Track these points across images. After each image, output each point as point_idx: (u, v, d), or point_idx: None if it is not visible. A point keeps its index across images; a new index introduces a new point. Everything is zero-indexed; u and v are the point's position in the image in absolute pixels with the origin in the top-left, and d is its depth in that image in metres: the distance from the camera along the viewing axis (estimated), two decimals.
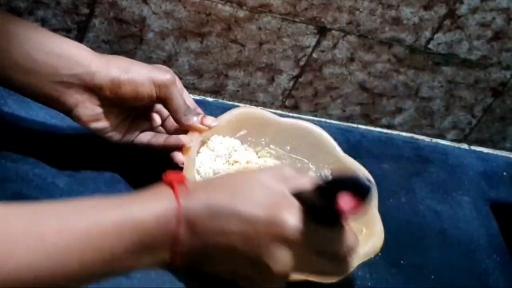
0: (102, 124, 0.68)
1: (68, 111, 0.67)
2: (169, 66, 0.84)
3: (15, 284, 0.45)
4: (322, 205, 0.52)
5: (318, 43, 0.88)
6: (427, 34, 0.90)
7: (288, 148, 0.80)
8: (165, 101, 0.69)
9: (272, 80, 0.91)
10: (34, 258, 0.46)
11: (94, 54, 0.67)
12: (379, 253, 0.77)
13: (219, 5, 0.81)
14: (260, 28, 0.85)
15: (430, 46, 0.92)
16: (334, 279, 0.60)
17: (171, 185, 0.53)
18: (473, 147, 1.06)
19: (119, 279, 0.64)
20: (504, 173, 1.02)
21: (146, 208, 0.51)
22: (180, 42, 0.84)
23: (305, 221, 0.52)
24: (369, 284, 0.77)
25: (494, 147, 1.08)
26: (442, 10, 0.88)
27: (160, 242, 0.51)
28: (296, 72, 0.91)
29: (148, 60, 0.84)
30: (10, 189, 0.68)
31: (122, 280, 0.65)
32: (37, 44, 0.64)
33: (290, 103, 0.95)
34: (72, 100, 0.66)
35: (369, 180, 0.50)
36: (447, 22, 0.89)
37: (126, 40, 0.83)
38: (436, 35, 0.90)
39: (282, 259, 0.52)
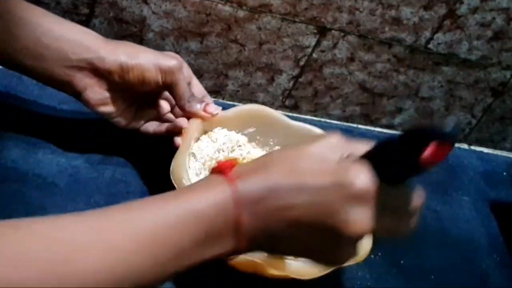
0: (109, 108, 0.69)
1: (77, 94, 0.68)
2: None
3: None
4: (392, 161, 0.49)
5: (318, 43, 0.88)
6: (427, 34, 0.90)
7: None
8: (170, 87, 0.70)
9: (272, 80, 0.91)
10: (107, 264, 0.45)
11: (103, 39, 0.68)
12: (378, 253, 0.78)
13: (219, 5, 0.81)
14: (260, 28, 0.85)
15: (430, 46, 0.92)
16: (402, 236, 0.57)
17: (222, 172, 0.52)
18: (473, 147, 1.06)
19: None
20: (504, 173, 1.02)
21: (203, 198, 0.50)
22: (180, 42, 0.84)
23: (374, 178, 0.50)
24: (369, 284, 0.77)
25: (494, 147, 1.08)
26: (442, 10, 0.88)
27: (224, 229, 0.50)
28: (296, 72, 0.91)
29: None
30: (10, 189, 0.68)
31: None
32: (47, 29, 0.65)
33: (290, 103, 0.95)
34: (82, 84, 0.67)
35: (453, 125, 0.47)
36: (447, 22, 0.89)
37: (126, 40, 0.83)
38: (436, 35, 0.90)
39: (355, 219, 0.49)
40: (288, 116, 0.83)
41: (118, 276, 0.46)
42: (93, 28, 0.81)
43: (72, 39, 0.66)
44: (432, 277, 0.81)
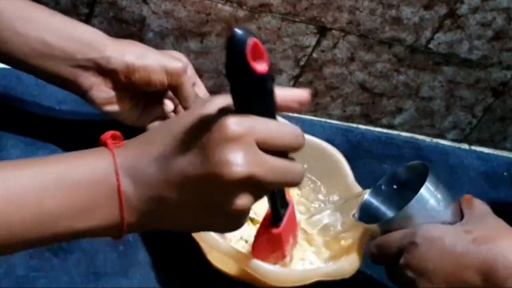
0: (115, 107, 0.70)
1: (83, 93, 0.68)
2: None
3: None
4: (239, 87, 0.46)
5: (318, 43, 0.88)
6: (428, 34, 0.90)
7: (305, 166, 0.78)
8: (175, 89, 0.70)
9: None
10: None
11: (109, 38, 0.68)
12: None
13: (219, 5, 0.81)
14: (260, 28, 0.85)
15: (430, 46, 0.92)
16: (295, 180, 0.51)
17: (105, 143, 0.49)
18: (473, 147, 1.06)
19: (119, 279, 0.65)
20: (505, 173, 1.02)
21: (82, 165, 0.47)
22: (180, 42, 0.84)
23: (243, 117, 0.46)
24: (369, 284, 0.77)
25: (495, 147, 1.08)
26: (442, 10, 0.88)
27: (102, 199, 0.47)
28: (296, 72, 0.91)
29: None
30: None
31: (122, 280, 0.65)
32: (53, 29, 0.66)
33: None
34: (88, 83, 0.67)
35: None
36: (448, 22, 0.89)
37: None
38: (436, 35, 0.90)
39: (233, 159, 0.46)
40: (288, 116, 0.83)
41: None
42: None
43: (79, 39, 0.66)
44: None
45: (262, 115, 0.47)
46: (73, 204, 0.47)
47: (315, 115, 0.97)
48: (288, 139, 0.49)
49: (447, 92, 0.99)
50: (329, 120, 0.97)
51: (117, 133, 0.50)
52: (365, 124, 1.00)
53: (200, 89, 0.74)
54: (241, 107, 0.47)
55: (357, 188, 0.77)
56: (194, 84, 0.72)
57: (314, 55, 0.89)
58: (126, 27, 0.82)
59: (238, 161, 0.46)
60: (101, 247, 0.65)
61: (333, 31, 0.87)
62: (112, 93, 0.69)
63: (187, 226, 0.52)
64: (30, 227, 0.46)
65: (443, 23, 0.89)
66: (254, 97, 0.47)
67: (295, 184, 0.51)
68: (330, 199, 0.79)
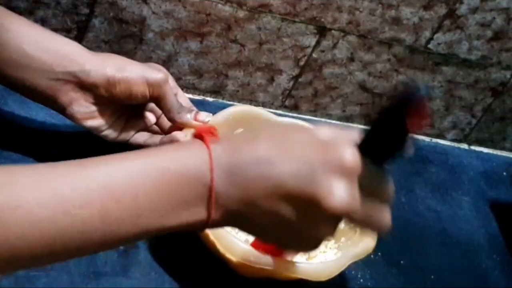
0: (97, 122, 0.68)
1: (62, 109, 0.67)
2: (169, 66, 0.84)
3: (39, 245, 0.43)
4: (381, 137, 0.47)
5: (318, 43, 0.88)
6: (427, 34, 0.90)
7: None
8: (158, 100, 0.69)
9: (272, 80, 0.91)
10: (50, 214, 0.43)
11: (89, 52, 0.67)
12: (378, 253, 0.78)
13: (219, 5, 0.81)
14: (260, 28, 0.85)
15: (430, 46, 0.92)
16: (380, 229, 0.54)
17: (200, 137, 0.48)
18: (473, 147, 1.06)
19: (119, 279, 0.65)
20: (504, 173, 1.02)
21: (173, 158, 0.47)
22: (180, 42, 0.84)
23: (361, 157, 0.47)
24: (369, 284, 0.77)
25: (494, 147, 1.08)
26: (442, 10, 0.88)
27: (193, 195, 0.47)
28: (296, 72, 0.91)
29: (148, 60, 0.83)
30: None
31: (122, 280, 0.65)
32: (32, 40, 0.64)
33: (290, 103, 0.95)
34: (67, 97, 0.66)
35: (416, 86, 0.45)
36: (447, 22, 0.89)
37: (126, 40, 0.83)
38: (436, 35, 0.90)
39: (337, 192, 0.46)
40: (288, 116, 0.83)
41: (62, 228, 0.43)
42: (93, 28, 0.81)
43: (57, 51, 0.65)
44: (432, 277, 0.81)
45: (381, 161, 0.49)
46: (166, 200, 0.46)
47: (315, 115, 0.97)
48: (386, 192, 0.51)
49: (447, 92, 0.99)
50: (328, 120, 0.97)
51: (214, 126, 0.50)
52: (365, 124, 1.00)
53: (182, 99, 0.72)
54: (366, 148, 0.48)
55: None
56: (175, 95, 0.71)
57: (314, 55, 0.89)
58: (126, 27, 0.82)
59: (344, 196, 0.47)
60: None
61: (333, 31, 0.87)
62: (92, 108, 0.67)
63: (265, 236, 0.52)
64: (125, 222, 0.45)
65: (442, 24, 0.89)
66: (387, 147, 0.48)
67: (378, 231, 0.54)
68: None
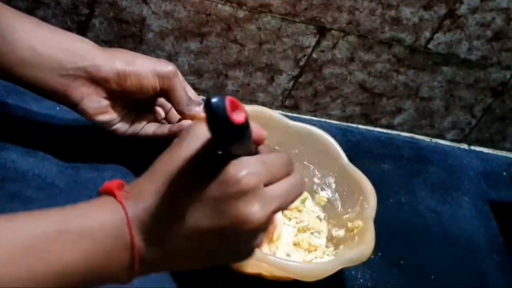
0: (108, 116, 0.69)
1: (74, 104, 0.68)
2: None
3: None
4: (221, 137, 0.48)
5: (318, 43, 0.88)
6: (427, 34, 0.90)
7: (296, 152, 0.79)
8: (168, 93, 0.69)
9: (272, 80, 0.91)
10: None
11: (98, 47, 0.68)
12: (378, 253, 0.78)
13: (219, 5, 0.81)
14: (260, 28, 0.85)
15: (430, 46, 0.92)
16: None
17: (111, 193, 0.50)
18: (473, 147, 1.06)
19: None
20: (504, 173, 1.02)
21: (92, 217, 0.48)
22: (180, 42, 0.84)
23: (251, 169, 0.49)
24: (369, 284, 0.77)
25: (494, 147, 1.08)
26: (442, 10, 0.88)
27: (115, 252, 0.48)
28: (296, 72, 0.91)
29: None
30: (10, 189, 0.68)
31: None
32: (42, 38, 0.65)
33: (290, 103, 0.95)
34: (78, 93, 0.67)
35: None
36: (447, 22, 0.89)
37: (126, 40, 0.83)
38: (436, 35, 0.90)
39: (249, 212, 0.48)
40: (288, 116, 0.83)
41: None
42: (93, 28, 0.81)
43: (67, 48, 0.66)
44: (432, 277, 0.81)
45: (245, 147, 0.50)
46: (87, 259, 0.47)
47: (314, 115, 0.97)
48: (283, 168, 0.52)
49: (447, 92, 0.99)
50: (328, 120, 0.98)
51: (121, 181, 0.51)
52: (365, 124, 1.00)
53: (191, 93, 0.73)
54: (226, 152, 0.50)
55: (353, 168, 0.77)
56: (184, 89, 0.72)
57: (314, 55, 0.89)
58: (126, 27, 0.82)
59: (256, 210, 0.49)
60: None
61: (333, 31, 0.87)
62: (104, 102, 0.68)
63: (200, 266, 0.53)
64: (52, 280, 0.46)
65: (442, 24, 0.89)
66: (238, 143, 0.49)
67: (302, 192, 0.55)
68: (326, 182, 0.79)
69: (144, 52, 0.84)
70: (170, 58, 0.85)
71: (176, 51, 0.85)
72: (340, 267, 0.66)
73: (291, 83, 0.92)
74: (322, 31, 0.87)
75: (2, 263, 0.44)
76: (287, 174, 0.52)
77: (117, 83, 0.67)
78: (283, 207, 0.52)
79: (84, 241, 0.47)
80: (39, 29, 0.66)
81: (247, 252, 0.53)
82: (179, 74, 0.71)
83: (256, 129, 0.53)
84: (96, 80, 0.66)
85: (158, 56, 0.85)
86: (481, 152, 1.06)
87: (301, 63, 0.90)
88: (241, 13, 0.83)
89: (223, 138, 0.48)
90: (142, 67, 0.67)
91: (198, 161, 0.50)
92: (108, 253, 0.48)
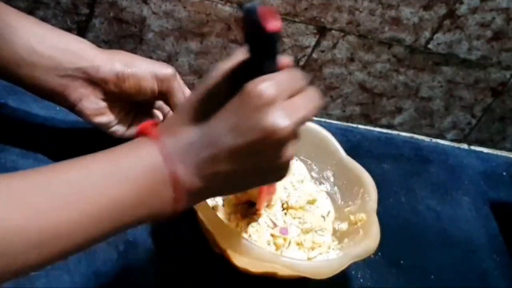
0: (105, 118, 0.69)
1: (72, 105, 0.68)
2: None
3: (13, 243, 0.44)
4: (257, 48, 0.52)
5: (318, 43, 0.88)
6: (427, 34, 0.90)
7: None
8: (167, 95, 0.69)
9: None
10: (23, 223, 0.45)
11: (97, 48, 0.68)
12: (378, 253, 0.78)
13: (219, 5, 0.81)
14: None
15: (430, 46, 0.92)
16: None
17: (145, 133, 0.52)
18: (473, 147, 1.07)
19: (119, 279, 0.65)
20: (504, 173, 1.03)
21: (129, 156, 0.50)
22: (180, 42, 0.84)
23: (268, 81, 0.51)
24: (369, 284, 0.77)
25: (494, 147, 1.08)
26: (442, 10, 0.88)
27: (158, 188, 0.50)
28: None
29: None
30: None
31: (122, 280, 0.65)
32: (41, 38, 0.65)
33: None
34: (76, 94, 0.67)
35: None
36: (447, 22, 0.89)
37: (126, 40, 0.83)
38: (435, 35, 0.90)
39: (273, 121, 0.50)
40: None
41: (42, 235, 0.45)
42: (93, 28, 0.81)
43: (66, 48, 0.66)
44: (432, 277, 0.81)
45: (273, 64, 0.53)
46: (133, 196, 0.49)
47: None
48: (300, 81, 0.54)
49: (447, 92, 0.99)
50: (328, 120, 0.98)
51: (155, 121, 0.52)
52: (365, 124, 1.00)
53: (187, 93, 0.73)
54: (257, 60, 0.52)
55: (351, 161, 0.77)
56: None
57: (314, 55, 0.89)
58: (126, 27, 0.82)
59: (281, 120, 0.50)
60: (101, 247, 0.65)
61: (333, 31, 0.87)
62: (102, 104, 0.68)
63: (241, 189, 0.56)
64: (104, 220, 0.48)
65: (442, 24, 0.89)
66: (269, 51, 0.52)
67: (322, 104, 0.57)
68: (325, 175, 0.79)
69: (144, 52, 0.84)
70: (170, 58, 0.85)
71: (176, 51, 0.85)
72: (349, 262, 0.67)
73: None
74: (322, 31, 0.87)
75: (56, 210, 0.46)
76: (305, 87, 0.54)
77: (116, 84, 0.67)
78: (307, 118, 0.53)
79: (128, 178, 0.49)
80: (38, 29, 0.66)
81: (283, 166, 0.54)
82: (179, 77, 0.70)
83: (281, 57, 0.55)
84: (95, 81, 0.66)
85: (158, 56, 0.85)
86: (481, 152, 1.06)
87: (301, 63, 0.90)
88: (241, 13, 0.83)
89: (255, 45, 0.51)
90: (140, 69, 0.67)
91: (221, 86, 0.52)
92: (152, 188, 0.50)
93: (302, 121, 0.53)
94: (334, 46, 0.89)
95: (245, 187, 0.56)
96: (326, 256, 0.72)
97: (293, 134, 0.52)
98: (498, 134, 1.07)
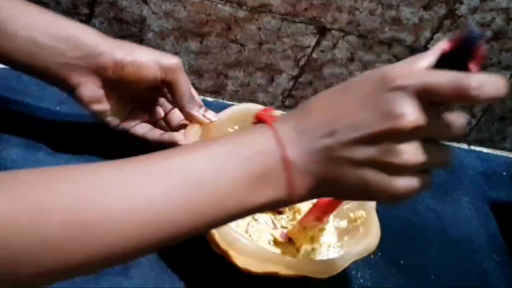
0: (102, 106, 0.69)
1: (71, 90, 0.68)
2: None
3: (128, 239, 0.45)
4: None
5: (318, 43, 0.88)
6: (427, 34, 0.90)
7: None
8: (171, 85, 0.69)
9: (272, 80, 0.91)
10: (134, 207, 0.45)
11: (101, 35, 0.68)
12: (378, 253, 0.78)
13: (219, 5, 0.81)
14: (260, 28, 0.85)
15: (430, 46, 0.92)
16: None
17: (261, 119, 0.52)
18: (473, 147, 1.06)
19: (119, 279, 0.65)
20: (504, 173, 1.02)
21: (243, 142, 0.49)
22: (180, 42, 0.84)
23: (419, 111, 0.48)
24: (369, 284, 0.77)
25: (494, 147, 1.08)
26: (442, 10, 0.88)
27: (270, 170, 0.48)
28: (296, 72, 0.91)
29: None
30: None
31: (122, 280, 0.65)
32: (43, 27, 0.65)
33: (290, 103, 0.95)
34: (76, 80, 0.67)
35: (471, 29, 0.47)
36: (447, 22, 0.89)
37: (126, 40, 0.83)
38: (436, 35, 0.90)
39: (407, 149, 0.47)
40: None
41: (147, 216, 0.45)
42: (93, 28, 0.81)
43: (68, 36, 0.65)
44: (432, 277, 0.81)
45: None
46: (244, 180, 0.48)
47: None
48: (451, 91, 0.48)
49: None
50: None
51: (270, 108, 0.53)
52: None
53: (193, 92, 0.72)
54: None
55: None
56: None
57: (314, 55, 0.89)
58: (126, 27, 0.82)
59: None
60: None
61: (333, 31, 0.87)
62: (100, 92, 0.68)
63: (349, 193, 0.51)
64: (208, 207, 0.47)
65: (442, 24, 0.89)
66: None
67: (456, 138, 0.53)
68: None
69: None
70: None
71: (176, 51, 0.85)
72: (351, 261, 0.67)
73: (291, 83, 0.92)
74: (322, 31, 0.87)
75: (158, 203, 0.46)
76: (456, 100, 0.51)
77: (114, 71, 0.66)
78: (435, 132, 0.50)
79: (235, 162, 0.48)
80: (41, 18, 0.66)
81: (401, 186, 0.49)
82: (184, 72, 0.71)
83: None
84: (94, 69, 0.66)
85: None
86: (481, 152, 1.06)
87: (301, 63, 0.90)
88: (241, 13, 0.83)
89: (447, 63, 0.48)
90: (141, 57, 0.67)
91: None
92: (263, 171, 0.48)
93: (425, 129, 0.48)
94: (334, 46, 0.89)
95: (357, 191, 0.50)
96: (327, 254, 0.72)
97: (419, 135, 0.48)
98: (498, 134, 1.07)
